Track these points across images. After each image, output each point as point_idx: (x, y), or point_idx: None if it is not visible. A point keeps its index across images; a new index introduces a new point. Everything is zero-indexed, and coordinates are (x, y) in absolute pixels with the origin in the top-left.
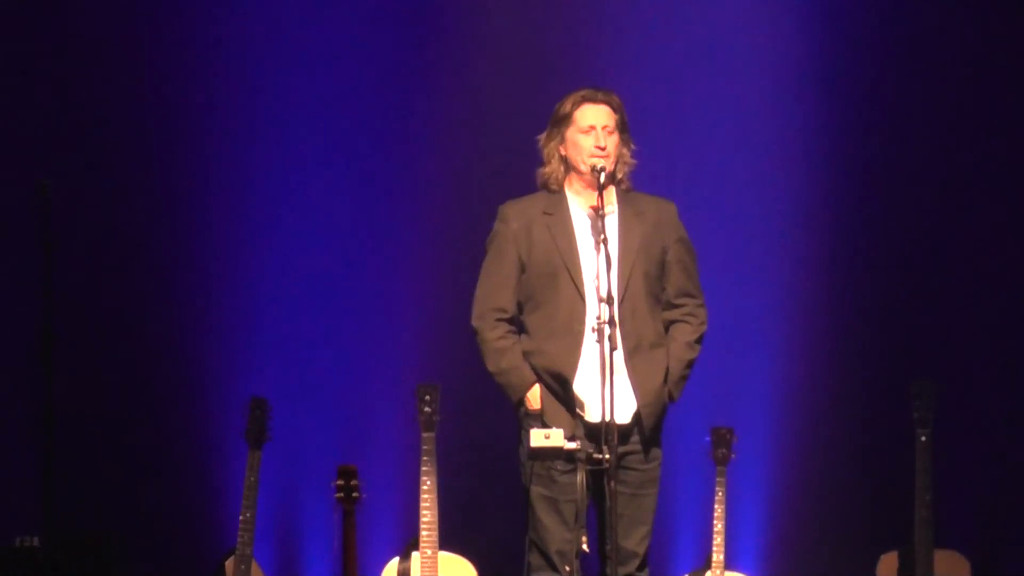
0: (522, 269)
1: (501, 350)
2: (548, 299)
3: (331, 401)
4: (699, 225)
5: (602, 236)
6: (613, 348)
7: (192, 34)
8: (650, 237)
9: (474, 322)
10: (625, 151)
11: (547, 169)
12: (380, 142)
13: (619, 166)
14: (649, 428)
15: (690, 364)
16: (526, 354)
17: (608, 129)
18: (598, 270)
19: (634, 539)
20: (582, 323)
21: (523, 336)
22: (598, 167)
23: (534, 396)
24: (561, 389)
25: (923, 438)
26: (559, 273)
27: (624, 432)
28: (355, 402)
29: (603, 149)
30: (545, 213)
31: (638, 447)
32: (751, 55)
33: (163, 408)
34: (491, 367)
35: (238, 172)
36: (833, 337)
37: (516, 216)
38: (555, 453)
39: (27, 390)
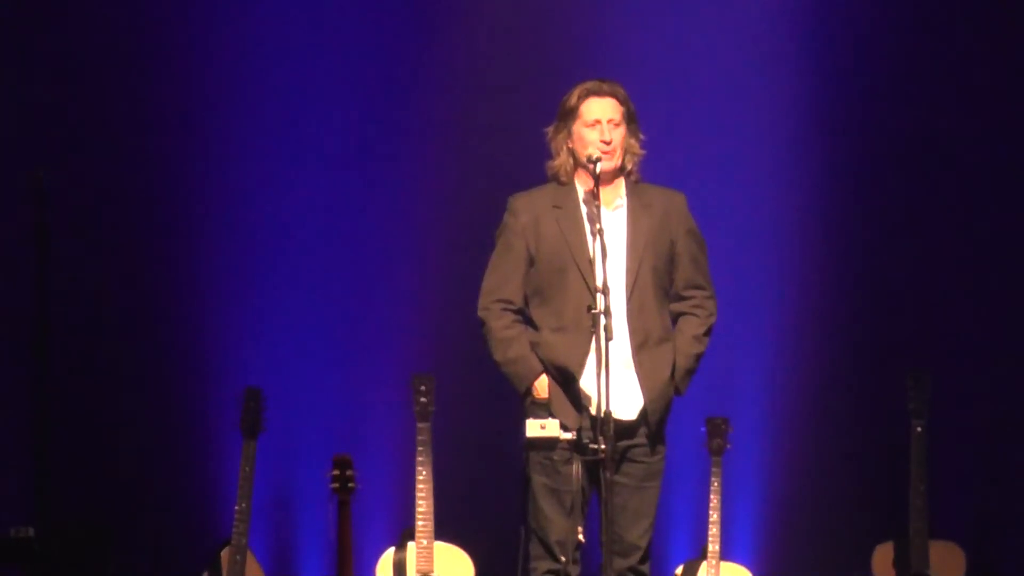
0: (530, 262)
1: (508, 339)
2: (557, 293)
3: (326, 391)
4: (695, 215)
5: (598, 226)
6: (609, 339)
7: (190, 24)
8: (658, 230)
9: (480, 312)
10: (634, 142)
11: (556, 162)
12: (377, 134)
13: (628, 157)
14: (655, 423)
15: (698, 358)
16: (533, 346)
17: (614, 122)
18: (592, 257)
19: (636, 532)
20: (591, 318)
21: (530, 330)
22: (593, 158)
23: (542, 385)
24: (568, 383)
25: (918, 428)
26: (568, 267)
27: (630, 428)
28: (350, 392)
29: (608, 143)
30: (554, 206)
31: (644, 441)
32: (753, 50)
33: (158, 399)
34: (498, 357)
35: (233, 164)
36: (829, 327)
37: (525, 209)
38: (550, 443)
39: (22, 381)
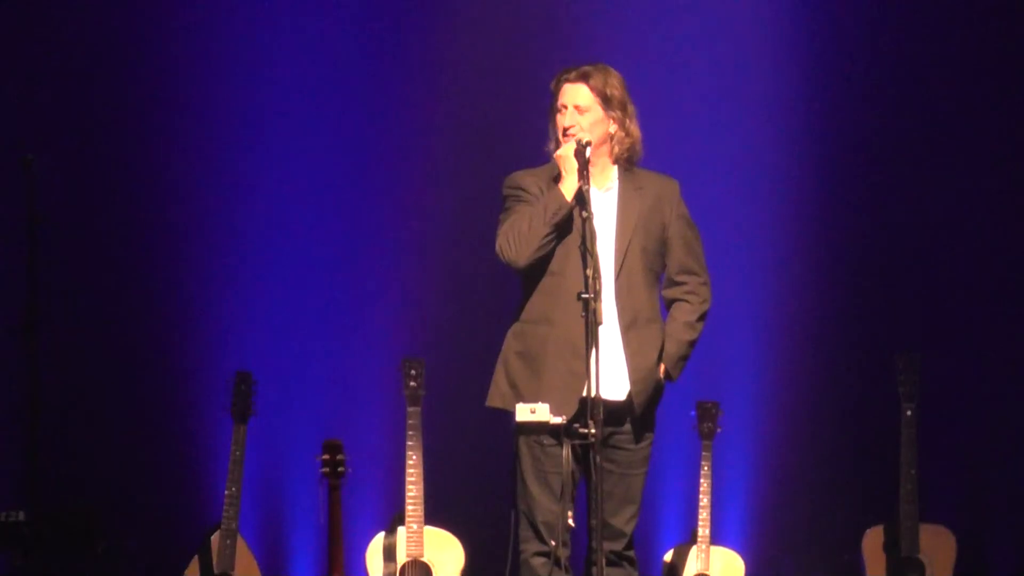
0: None
1: (519, 217)
2: (558, 267)
3: (316, 375)
4: (689, 201)
5: (585, 214)
6: (599, 323)
7: (186, 16)
8: (649, 213)
9: (500, 254)
10: (618, 128)
11: (551, 145)
12: (368, 121)
13: (614, 142)
14: (640, 407)
15: (691, 344)
16: (530, 322)
17: (580, 108)
18: (583, 239)
19: (622, 518)
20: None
21: (528, 303)
22: (583, 141)
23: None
24: (568, 358)
25: (908, 412)
26: (571, 240)
27: (617, 410)
28: (340, 376)
29: (567, 129)
30: (555, 181)
31: (629, 427)
32: (744, 45)
33: (148, 383)
34: (536, 227)
35: (224, 150)
36: (819, 311)
37: (531, 183)
38: (540, 428)
39: (12, 366)
